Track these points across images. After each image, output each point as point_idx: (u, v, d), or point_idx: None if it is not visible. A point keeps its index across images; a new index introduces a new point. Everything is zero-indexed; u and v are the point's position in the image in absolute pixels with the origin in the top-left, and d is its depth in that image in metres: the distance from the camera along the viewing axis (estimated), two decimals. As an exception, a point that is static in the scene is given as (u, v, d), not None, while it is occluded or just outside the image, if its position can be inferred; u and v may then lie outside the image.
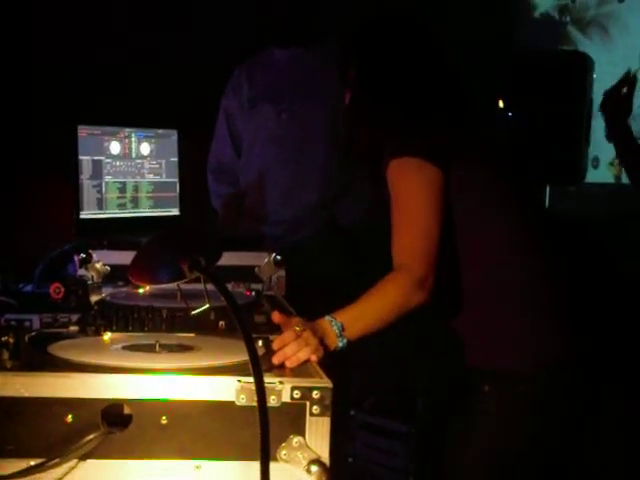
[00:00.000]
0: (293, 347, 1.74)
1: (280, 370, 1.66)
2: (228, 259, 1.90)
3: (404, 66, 2.23)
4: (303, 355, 1.74)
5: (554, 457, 2.13)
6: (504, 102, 3.94)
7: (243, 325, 1.45)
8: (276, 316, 1.89)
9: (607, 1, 4.50)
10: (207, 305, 1.79)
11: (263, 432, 1.37)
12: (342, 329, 1.90)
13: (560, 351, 2.09)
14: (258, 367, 1.40)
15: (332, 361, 1.83)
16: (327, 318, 1.91)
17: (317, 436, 1.51)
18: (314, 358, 1.75)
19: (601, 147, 4.20)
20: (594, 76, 3.94)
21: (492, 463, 2.12)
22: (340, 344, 1.90)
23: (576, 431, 2.17)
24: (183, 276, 1.64)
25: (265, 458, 1.38)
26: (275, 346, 1.75)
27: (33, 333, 1.76)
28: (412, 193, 2.09)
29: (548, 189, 4.03)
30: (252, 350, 1.41)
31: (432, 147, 2.12)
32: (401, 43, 2.25)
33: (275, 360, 1.71)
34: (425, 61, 2.24)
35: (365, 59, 2.27)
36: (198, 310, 1.85)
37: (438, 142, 2.14)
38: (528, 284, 2.12)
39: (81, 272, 2.59)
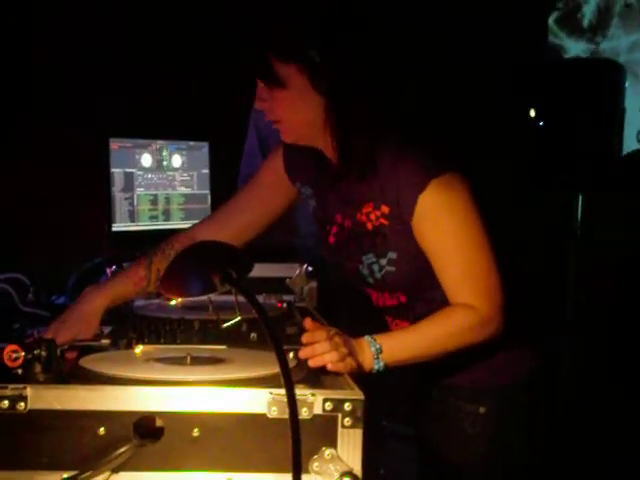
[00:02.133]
0: (324, 346, 1.69)
1: (312, 381, 1.64)
2: (260, 270, 1.89)
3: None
4: (329, 358, 1.68)
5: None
6: (536, 111, 3.93)
7: (274, 337, 1.43)
8: (308, 323, 1.78)
9: (638, 47, 4.45)
10: (238, 318, 1.79)
11: (295, 444, 1.36)
12: (379, 352, 1.81)
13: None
14: (289, 379, 1.39)
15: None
16: (366, 338, 1.83)
17: (349, 448, 1.50)
18: (340, 367, 1.70)
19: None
20: (626, 85, 3.92)
21: None
22: (376, 367, 1.81)
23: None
24: (214, 289, 1.63)
25: (297, 471, 1.37)
26: (304, 340, 1.71)
27: (65, 346, 1.77)
28: (457, 222, 1.90)
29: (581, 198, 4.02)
30: (283, 362, 1.39)
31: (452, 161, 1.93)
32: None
33: (302, 354, 1.69)
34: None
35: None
36: (229, 323, 1.85)
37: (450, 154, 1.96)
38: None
39: (113, 284, 2.59)
